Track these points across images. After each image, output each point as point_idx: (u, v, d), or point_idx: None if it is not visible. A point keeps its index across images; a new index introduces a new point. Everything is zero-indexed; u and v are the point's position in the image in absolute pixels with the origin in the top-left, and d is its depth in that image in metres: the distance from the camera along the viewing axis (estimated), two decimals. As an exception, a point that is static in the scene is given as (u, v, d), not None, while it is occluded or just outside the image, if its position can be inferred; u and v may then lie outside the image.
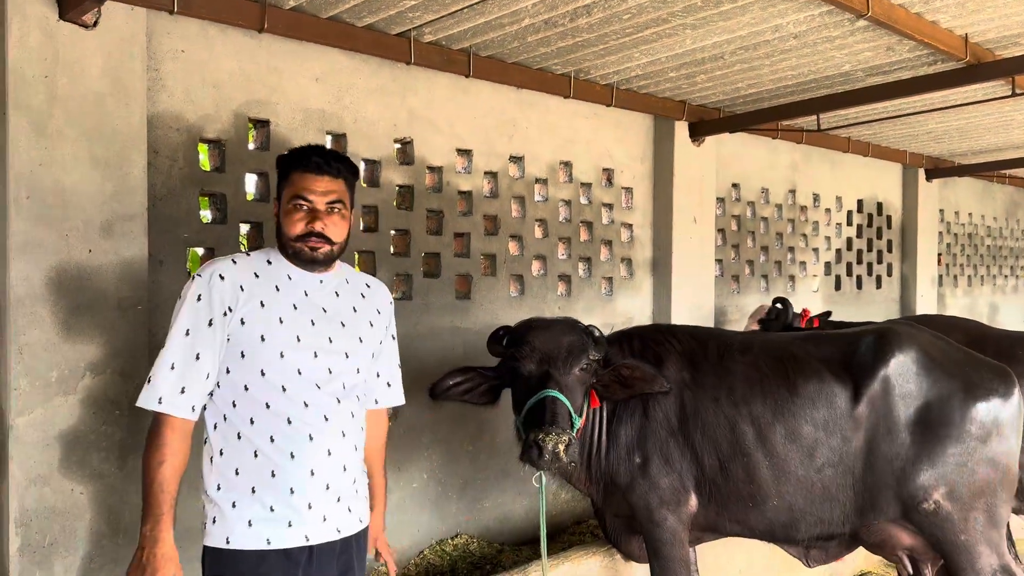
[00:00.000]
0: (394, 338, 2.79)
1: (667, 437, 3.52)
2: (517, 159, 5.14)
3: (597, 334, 3.42)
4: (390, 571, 2.88)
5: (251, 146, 4.02)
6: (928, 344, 3.58)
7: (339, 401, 2.48)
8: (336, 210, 2.45)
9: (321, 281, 2.53)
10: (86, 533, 3.33)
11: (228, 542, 2.34)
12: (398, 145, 4.59)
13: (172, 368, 2.33)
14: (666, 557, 3.55)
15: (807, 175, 7.27)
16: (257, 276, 2.45)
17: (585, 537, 5.07)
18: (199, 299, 2.37)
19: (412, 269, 4.61)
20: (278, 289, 2.45)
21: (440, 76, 4.63)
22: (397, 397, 2.81)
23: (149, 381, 2.34)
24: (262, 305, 2.41)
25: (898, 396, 3.43)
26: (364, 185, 4.44)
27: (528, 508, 5.11)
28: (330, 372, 2.46)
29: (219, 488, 2.38)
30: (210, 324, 2.36)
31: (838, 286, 7.76)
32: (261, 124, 4.04)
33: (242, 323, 2.38)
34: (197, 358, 2.34)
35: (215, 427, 2.43)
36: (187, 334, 2.35)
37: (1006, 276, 10.22)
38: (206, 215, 4.02)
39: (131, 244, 3.42)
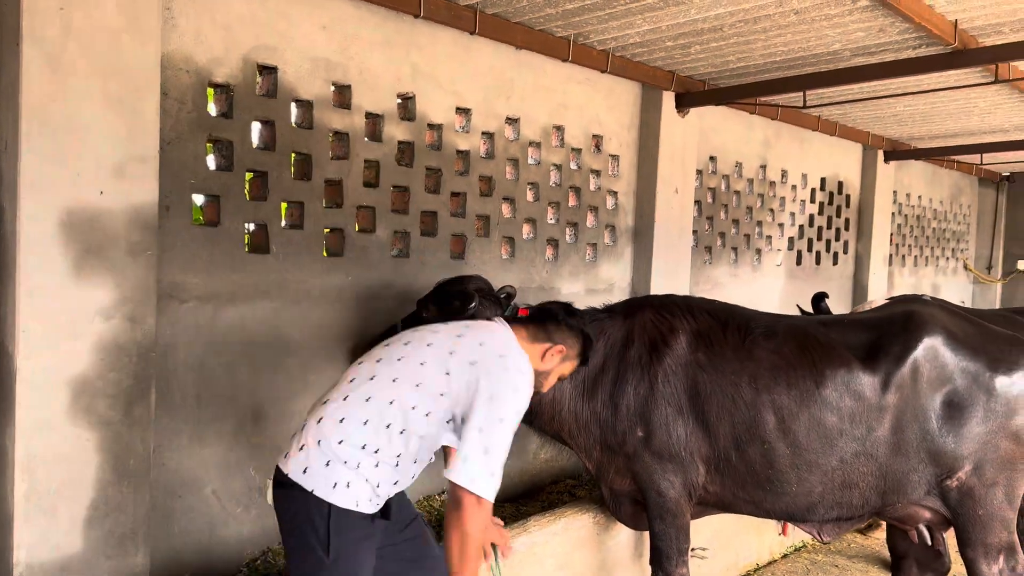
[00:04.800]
0: None
1: (675, 414, 3.50)
2: (513, 121, 5.14)
3: (498, 298, 3.58)
4: None
5: (257, 92, 3.93)
6: (950, 323, 3.59)
7: None
8: None
9: None
10: (92, 480, 3.26)
11: (357, 505, 2.61)
12: (400, 100, 4.54)
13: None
14: (668, 524, 3.61)
15: (777, 151, 7.45)
16: None
17: (563, 496, 5.17)
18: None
19: (410, 227, 4.58)
20: None
21: (444, 32, 4.58)
22: None
23: (493, 475, 2.56)
24: None
25: (927, 382, 3.44)
26: (366, 139, 4.39)
27: (521, 467, 5.18)
28: None
29: (359, 466, 2.61)
30: None
31: (799, 261, 8.01)
32: (268, 70, 3.95)
33: None
34: None
35: (388, 434, 2.63)
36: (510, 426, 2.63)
37: (947, 258, 10.69)
38: (211, 161, 3.91)
39: (143, 187, 3.32)
